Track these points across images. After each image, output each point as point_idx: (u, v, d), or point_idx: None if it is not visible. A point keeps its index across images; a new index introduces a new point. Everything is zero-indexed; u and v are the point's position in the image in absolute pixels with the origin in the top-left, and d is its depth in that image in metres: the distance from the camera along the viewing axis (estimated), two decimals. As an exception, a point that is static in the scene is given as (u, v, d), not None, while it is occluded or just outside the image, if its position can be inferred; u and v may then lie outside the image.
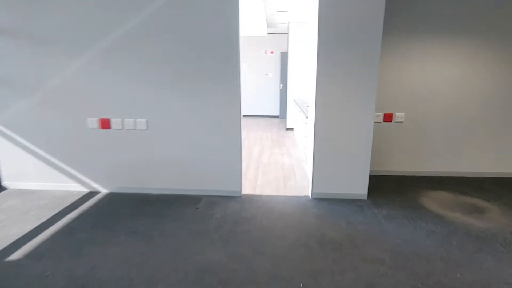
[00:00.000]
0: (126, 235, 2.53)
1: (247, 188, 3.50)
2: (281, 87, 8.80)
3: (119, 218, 2.80)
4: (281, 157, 4.78)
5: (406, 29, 3.53)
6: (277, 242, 2.42)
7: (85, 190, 3.39)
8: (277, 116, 9.15)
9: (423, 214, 2.89)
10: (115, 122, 3.17)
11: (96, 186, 3.38)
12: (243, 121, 8.45)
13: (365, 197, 3.21)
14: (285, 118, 7.54)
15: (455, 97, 3.70)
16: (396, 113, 3.78)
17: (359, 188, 3.19)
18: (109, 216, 2.85)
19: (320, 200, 3.19)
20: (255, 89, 9.05)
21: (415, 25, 3.52)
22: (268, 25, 7.41)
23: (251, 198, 3.24)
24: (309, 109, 3.51)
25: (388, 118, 3.80)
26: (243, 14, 5.23)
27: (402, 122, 3.80)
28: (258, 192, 3.42)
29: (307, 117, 3.75)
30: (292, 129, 7.05)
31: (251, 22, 5.94)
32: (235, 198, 3.22)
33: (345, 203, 3.11)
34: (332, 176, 3.17)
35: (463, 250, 2.33)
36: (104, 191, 3.38)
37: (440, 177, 3.87)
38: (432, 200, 3.20)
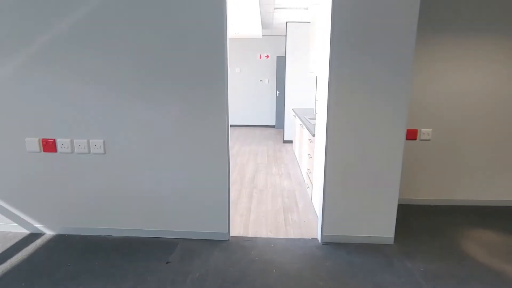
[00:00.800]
0: (58, 313, 1.74)
1: (237, 227, 2.73)
2: (277, 95, 8.08)
3: (55, 280, 2.00)
4: (280, 179, 4.02)
5: (436, 26, 2.83)
6: (279, 326, 1.65)
7: (24, 231, 2.59)
8: (273, 126, 8.41)
9: (474, 269, 2.14)
10: (62, 144, 2.39)
11: (39, 227, 2.57)
12: (235, 132, 7.69)
13: (392, 241, 2.46)
14: (282, 128, 6.81)
15: (495, 109, 2.99)
16: (422, 129, 3.06)
17: (384, 230, 2.45)
18: (44, 276, 2.04)
19: (332, 246, 2.42)
20: (249, 96, 8.28)
21: (449, 20, 2.81)
22: (264, 26, 6.70)
23: (242, 243, 2.46)
24: (317, 125, 2.77)
25: (411, 135, 3.07)
26: (232, 9, 4.52)
27: (429, 140, 3.08)
28: (251, 232, 2.65)
29: (314, 135, 3.00)
30: (290, 142, 6.31)
31: (243, 20, 5.22)
32: (221, 244, 2.44)
33: (367, 251, 2.36)
34: (348, 214, 2.42)
35: (550, 337, 1.59)
36: (49, 233, 2.58)
37: (477, 206, 3.14)
38: (478, 245, 2.46)
